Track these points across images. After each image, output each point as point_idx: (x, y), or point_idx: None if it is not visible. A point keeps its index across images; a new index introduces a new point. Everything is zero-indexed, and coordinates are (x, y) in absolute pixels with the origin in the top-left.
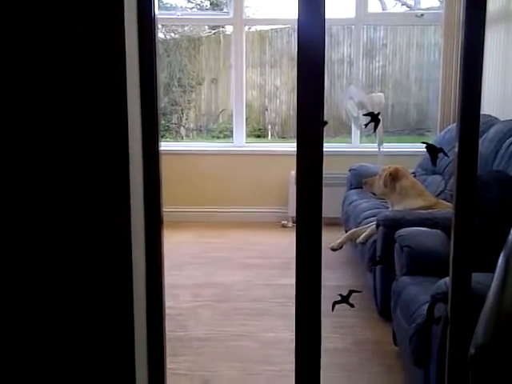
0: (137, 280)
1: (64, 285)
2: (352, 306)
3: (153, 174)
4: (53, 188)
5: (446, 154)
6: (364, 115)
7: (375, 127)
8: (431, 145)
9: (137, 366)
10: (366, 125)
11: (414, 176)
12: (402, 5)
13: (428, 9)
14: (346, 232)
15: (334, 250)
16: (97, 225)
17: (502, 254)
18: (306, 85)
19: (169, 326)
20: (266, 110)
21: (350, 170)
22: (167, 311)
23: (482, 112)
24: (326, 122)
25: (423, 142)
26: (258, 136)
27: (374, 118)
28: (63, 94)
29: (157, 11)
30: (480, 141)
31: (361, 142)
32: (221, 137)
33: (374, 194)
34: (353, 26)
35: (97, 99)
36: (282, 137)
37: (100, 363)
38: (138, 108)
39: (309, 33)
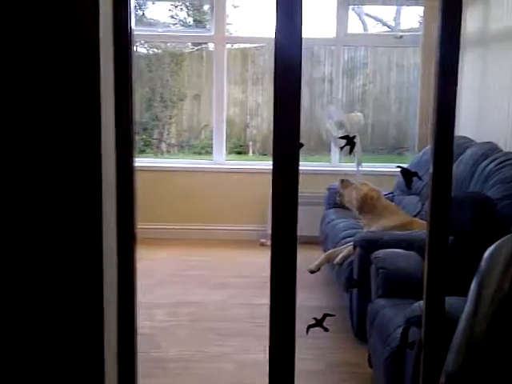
0: (108, 299)
1: (31, 303)
2: (326, 329)
3: (127, 190)
4: (20, 202)
5: (420, 178)
6: (340, 138)
7: (351, 150)
8: (405, 169)
9: None
10: (342, 148)
11: (393, 196)
12: (383, 25)
13: (409, 29)
14: (325, 251)
15: (312, 272)
16: (66, 241)
17: (474, 279)
18: (282, 108)
19: (143, 346)
20: (248, 126)
21: (328, 189)
22: (141, 330)
23: (458, 134)
24: (302, 144)
25: (398, 166)
26: (240, 153)
27: (350, 140)
28: (33, 104)
29: (133, 25)
30: (456, 163)
31: (340, 162)
32: (202, 153)
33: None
34: (333, 47)
35: (69, 111)
36: (263, 154)
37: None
38: (113, 121)
39: (286, 53)
